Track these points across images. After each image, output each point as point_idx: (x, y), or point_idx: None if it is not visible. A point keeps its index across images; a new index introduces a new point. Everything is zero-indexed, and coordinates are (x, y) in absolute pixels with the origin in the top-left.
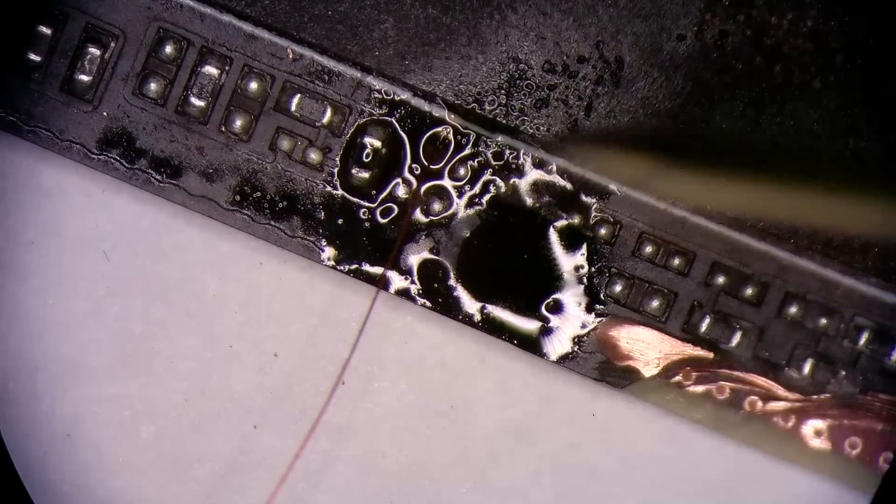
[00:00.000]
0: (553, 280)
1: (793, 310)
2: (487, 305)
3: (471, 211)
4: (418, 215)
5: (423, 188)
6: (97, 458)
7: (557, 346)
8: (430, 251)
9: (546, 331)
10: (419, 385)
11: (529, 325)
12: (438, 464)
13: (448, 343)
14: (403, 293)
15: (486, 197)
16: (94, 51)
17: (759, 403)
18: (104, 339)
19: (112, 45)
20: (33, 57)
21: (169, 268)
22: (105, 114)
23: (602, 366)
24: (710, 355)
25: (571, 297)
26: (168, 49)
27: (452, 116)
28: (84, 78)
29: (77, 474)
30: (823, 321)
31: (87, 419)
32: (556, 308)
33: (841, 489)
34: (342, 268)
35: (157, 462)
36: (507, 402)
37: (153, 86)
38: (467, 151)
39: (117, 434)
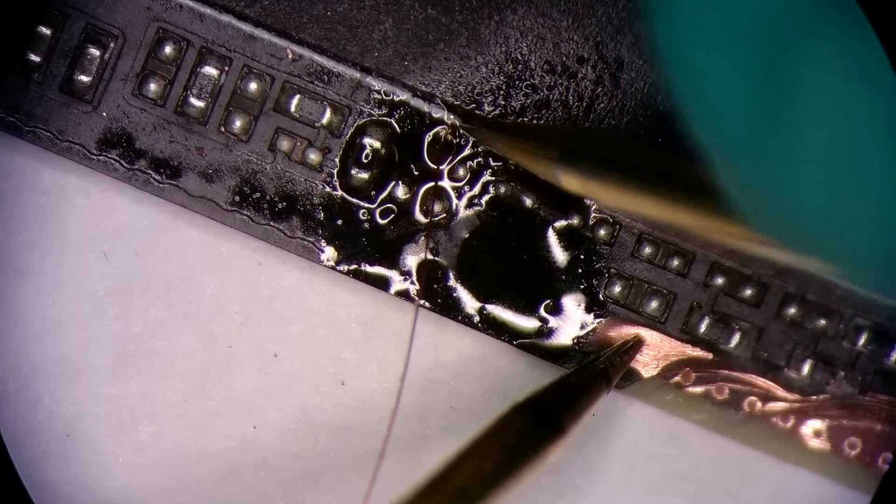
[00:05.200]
0: (552, 281)
1: (792, 310)
2: (487, 306)
3: (470, 212)
4: (418, 216)
5: (423, 189)
6: (97, 458)
7: (557, 347)
8: (430, 252)
9: (545, 332)
10: (419, 385)
11: (529, 326)
12: (439, 464)
13: (448, 343)
14: (403, 294)
15: (486, 198)
16: (94, 51)
17: (759, 404)
18: (104, 339)
19: (112, 45)
20: (33, 57)
21: (169, 268)
22: (104, 114)
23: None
24: (710, 356)
25: (571, 297)
26: (167, 49)
27: (451, 117)
28: (84, 78)
29: (77, 474)
30: (822, 322)
31: (87, 419)
32: (556, 309)
33: (841, 489)
34: (342, 268)
35: (157, 462)
36: (507, 402)
37: (153, 86)
38: (467, 152)
39: (117, 434)
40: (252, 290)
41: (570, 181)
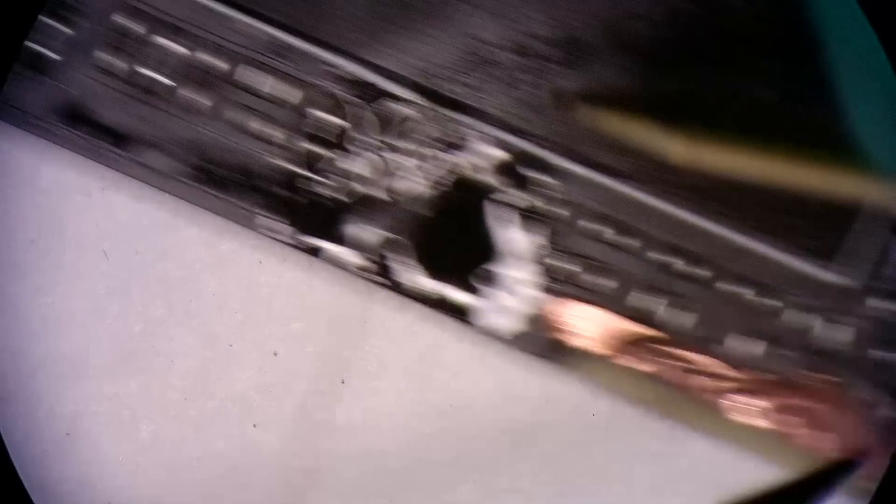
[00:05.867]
0: (497, 255)
1: (737, 289)
2: (433, 280)
3: (431, 189)
4: (379, 192)
5: (377, 163)
6: (97, 457)
7: (501, 322)
8: (380, 226)
9: (490, 307)
10: (419, 385)
11: (473, 301)
12: (438, 464)
13: (448, 343)
14: (362, 269)
15: (446, 175)
16: (49, 21)
17: (701, 381)
18: (104, 338)
19: (68, 15)
20: None
21: (168, 267)
22: (58, 83)
23: (550, 343)
24: (656, 334)
25: (515, 272)
26: (125, 21)
27: (415, 95)
28: (38, 48)
29: (77, 473)
30: (766, 301)
31: (87, 418)
32: (500, 284)
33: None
34: (287, 238)
35: (157, 461)
36: (507, 402)
37: (115, 60)
38: (430, 130)
39: (117, 433)
40: (252, 288)
41: (678, 148)
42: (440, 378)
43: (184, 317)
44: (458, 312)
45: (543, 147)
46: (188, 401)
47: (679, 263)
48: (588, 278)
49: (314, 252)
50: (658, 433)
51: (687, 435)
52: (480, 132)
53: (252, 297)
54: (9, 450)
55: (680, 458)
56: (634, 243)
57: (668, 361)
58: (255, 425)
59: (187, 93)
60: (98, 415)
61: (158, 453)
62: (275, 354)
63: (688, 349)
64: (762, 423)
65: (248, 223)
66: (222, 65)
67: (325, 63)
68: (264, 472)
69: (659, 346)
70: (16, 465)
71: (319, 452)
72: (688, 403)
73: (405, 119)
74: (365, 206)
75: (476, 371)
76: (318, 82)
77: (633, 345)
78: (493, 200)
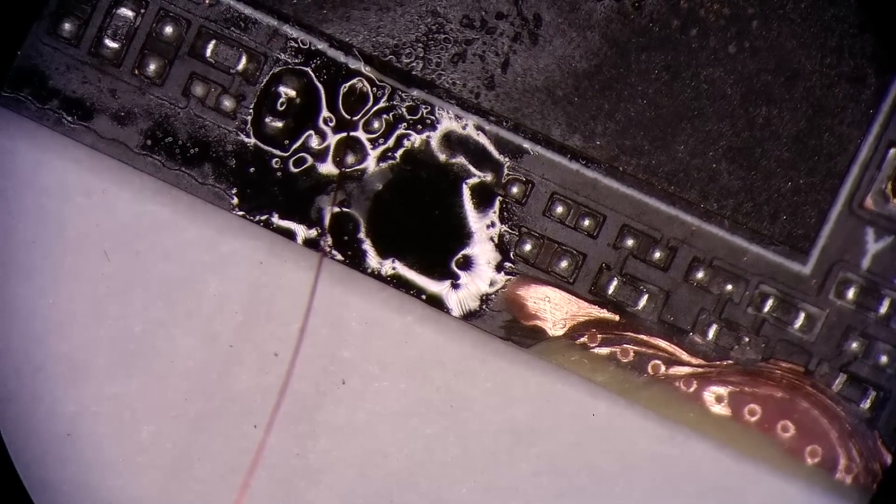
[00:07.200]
0: (463, 237)
1: (699, 275)
2: (397, 260)
3: (384, 165)
4: (331, 167)
5: (337, 139)
6: (97, 457)
7: (465, 303)
8: (341, 204)
9: (454, 287)
10: (419, 385)
11: (438, 282)
12: (438, 464)
13: (448, 343)
14: (311, 244)
15: (400, 151)
16: None
17: (663, 367)
18: (104, 339)
19: None
20: None
21: (169, 267)
22: (17, 52)
23: (508, 324)
24: (616, 318)
25: (481, 254)
26: None
27: (368, 68)
28: None
29: (77, 474)
30: (729, 287)
31: (88, 418)
32: (466, 265)
33: (833, 501)
34: (252, 217)
35: (157, 462)
36: (507, 402)
37: (67, 26)
38: (382, 104)
39: (117, 433)
40: (252, 289)
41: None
42: (440, 378)
43: (184, 317)
44: (413, 289)
45: (503, 125)
46: (188, 401)
47: (643, 248)
48: (549, 260)
49: (266, 224)
50: (658, 434)
51: (687, 436)
52: (435, 108)
53: (252, 297)
54: (9, 450)
55: (680, 460)
56: (597, 225)
57: (629, 346)
58: (255, 426)
59: (143, 61)
60: (99, 415)
61: (159, 453)
62: (275, 355)
63: (650, 335)
64: (722, 410)
65: (198, 193)
66: (180, 34)
67: (284, 36)
68: (265, 472)
69: (620, 331)
70: (16, 465)
71: (319, 452)
72: (648, 389)
73: (361, 93)
74: (315, 180)
75: (476, 371)
76: (276, 55)
77: (594, 328)
78: (450, 178)
